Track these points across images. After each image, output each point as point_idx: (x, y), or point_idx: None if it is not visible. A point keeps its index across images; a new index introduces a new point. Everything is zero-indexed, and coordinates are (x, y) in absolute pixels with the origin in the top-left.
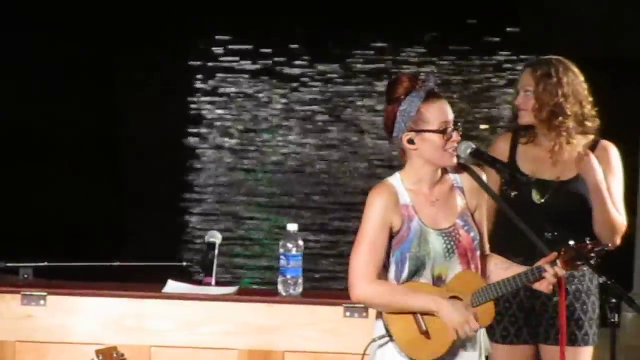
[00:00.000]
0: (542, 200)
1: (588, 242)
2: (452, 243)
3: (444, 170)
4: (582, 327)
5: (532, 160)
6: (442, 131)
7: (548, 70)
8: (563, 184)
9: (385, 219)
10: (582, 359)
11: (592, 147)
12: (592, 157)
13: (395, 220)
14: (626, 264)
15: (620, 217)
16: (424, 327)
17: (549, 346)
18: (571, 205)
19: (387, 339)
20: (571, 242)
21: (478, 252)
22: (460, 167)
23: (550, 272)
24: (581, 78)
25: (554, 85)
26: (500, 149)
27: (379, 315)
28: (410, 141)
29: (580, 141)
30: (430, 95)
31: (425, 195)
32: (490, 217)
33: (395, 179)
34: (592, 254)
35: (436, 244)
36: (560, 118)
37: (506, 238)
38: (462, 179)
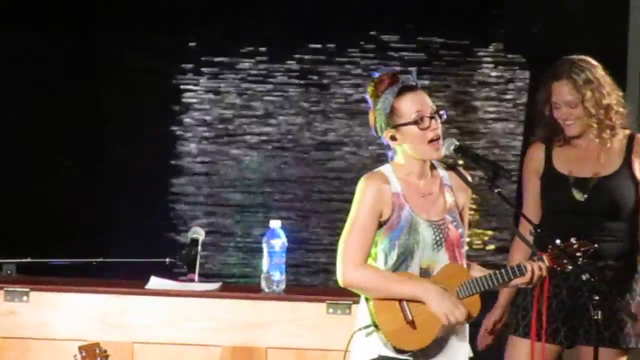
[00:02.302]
0: (584, 198)
1: (574, 241)
2: (441, 235)
3: (434, 167)
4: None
5: (569, 161)
6: (417, 121)
7: (586, 77)
8: (603, 180)
9: (376, 206)
10: None
11: (629, 142)
12: None
13: (385, 209)
14: None
15: None
16: (410, 317)
17: (590, 347)
18: (613, 200)
19: (372, 328)
20: (557, 241)
21: (464, 250)
22: (449, 167)
23: (535, 267)
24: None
25: (597, 88)
26: (536, 156)
27: (365, 302)
28: (393, 138)
29: (616, 134)
30: (404, 89)
31: (416, 187)
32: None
33: (387, 169)
34: (579, 254)
35: (426, 234)
36: (611, 115)
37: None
38: (450, 178)
